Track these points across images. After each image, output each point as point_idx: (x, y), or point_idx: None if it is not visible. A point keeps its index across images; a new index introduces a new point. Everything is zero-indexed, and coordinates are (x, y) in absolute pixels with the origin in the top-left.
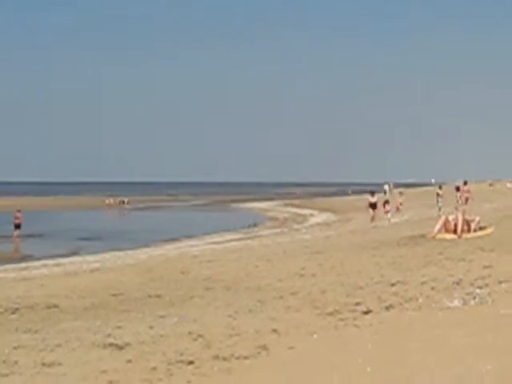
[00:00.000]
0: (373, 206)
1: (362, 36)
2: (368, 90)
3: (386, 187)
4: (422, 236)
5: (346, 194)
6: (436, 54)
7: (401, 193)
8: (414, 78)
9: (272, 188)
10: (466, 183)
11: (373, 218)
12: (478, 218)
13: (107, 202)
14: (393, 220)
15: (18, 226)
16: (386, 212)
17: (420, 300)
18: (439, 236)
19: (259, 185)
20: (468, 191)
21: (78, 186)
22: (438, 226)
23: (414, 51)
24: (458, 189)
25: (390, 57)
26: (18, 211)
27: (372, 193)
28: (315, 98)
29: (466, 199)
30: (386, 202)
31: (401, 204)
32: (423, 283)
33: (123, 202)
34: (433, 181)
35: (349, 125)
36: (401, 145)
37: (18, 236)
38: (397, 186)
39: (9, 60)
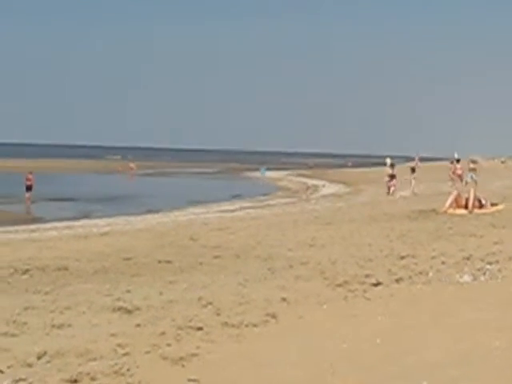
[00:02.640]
0: (391, 177)
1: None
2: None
3: (388, 160)
4: (433, 210)
5: (345, 165)
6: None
7: (413, 169)
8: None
9: (284, 157)
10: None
11: (391, 191)
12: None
13: (118, 166)
14: (397, 195)
15: (29, 188)
16: (390, 187)
17: (430, 274)
18: (450, 211)
19: (271, 154)
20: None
21: (92, 149)
22: (449, 201)
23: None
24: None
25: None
26: (30, 173)
27: (392, 165)
28: (324, 68)
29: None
30: (392, 176)
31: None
32: (433, 257)
33: (131, 167)
34: (456, 155)
35: (361, 96)
36: (417, 117)
37: (29, 198)
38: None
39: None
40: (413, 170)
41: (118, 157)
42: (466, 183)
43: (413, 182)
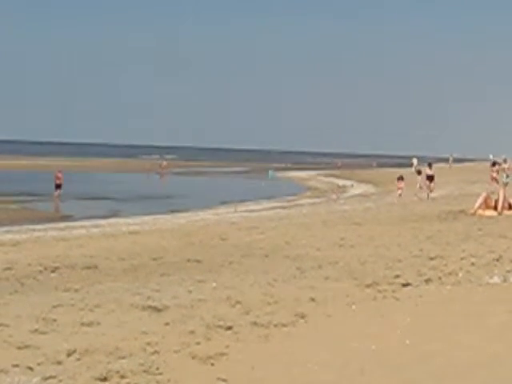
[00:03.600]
0: (429, 178)
1: None
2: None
3: (415, 161)
4: (462, 211)
5: (370, 166)
6: None
7: (419, 172)
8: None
9: (309, 157)
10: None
11: (428, 190)
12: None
13: (147, 165)
14: (419, 196)
15: (58, 186)
16: (399, 188)
17: (460, 275)
18: (479, 212)
19: (297, 154)
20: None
21: (121, 148)
22: (478, 202)
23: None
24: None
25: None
26: (59, 171)
27: (429, 165)
28: (351, 71)
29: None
30: (419, 172)
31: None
32: (463, 258)
33: (162, 166)
34: (491, 156)
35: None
36: (449, 118)
37: (59, 196)
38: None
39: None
40: (419, 172)
41: (156, 156)
42: (506, 184)
43: (417, 185)
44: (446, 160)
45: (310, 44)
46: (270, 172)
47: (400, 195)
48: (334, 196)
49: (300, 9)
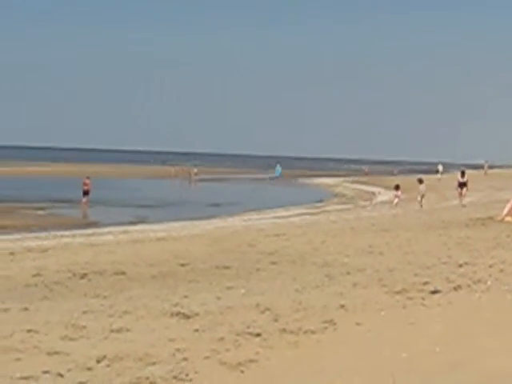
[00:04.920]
0: (461, 185)
1: None
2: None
3: (440, 167)
4: (490, 218)
5: (391, 174)
6: None
7: (420, 180)
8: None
9: (339, 164)
10: None
11: (460, 197)
12: None
13: (173, 171)
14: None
15: (86, 193)
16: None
17: (489, 282)
18: (507, 219)
19: (325, 160)
20: None
21: (145, 154)
22: (506, 209)
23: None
24: None
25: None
26: (87, 178)
27: (462, 172)
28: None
29: None
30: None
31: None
32: (492, 265)
33: (191, 173)
34: None
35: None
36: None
37: (86, 202)
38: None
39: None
40: (420, 181)
41: (175, 163)
42: None
43: (421, 194)
44: (472, 166)
45: (333, 46)
46: (278, 167)
47: (396, 204)
48: (367, 202)
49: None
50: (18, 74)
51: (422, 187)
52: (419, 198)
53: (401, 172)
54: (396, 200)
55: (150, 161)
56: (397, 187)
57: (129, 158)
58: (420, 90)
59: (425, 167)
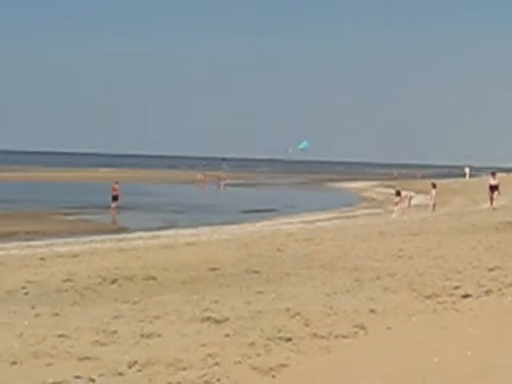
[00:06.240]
0: (492, 188)
1: None
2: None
3: (467, 170)
4: None
5: (413, 177)
6: None
7: (434, 185)
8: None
9: (369, 168)
10: None
11: (491, 200)
12: None
13: (199, 176)
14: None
15: (115, 198)
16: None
17: None
18: None
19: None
20: None
21: (171, 159)
22: None
23: None
24: None
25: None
26: (116, 183)
27: (493, 174)
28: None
29: None
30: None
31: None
32: None
33: (219, 178)
34: None
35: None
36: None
37: (115, 207)
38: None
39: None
40: (433, 185)
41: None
42: None
43: (432, 198)
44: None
45: (357, 51)
46: (304, 142)
47: (398, 211)
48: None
49: None
50: (37, 79)
51: (433, 192)
52: (431, 202)
53: (424, 176)
54: (397, 207)
55: (181, 166)
56: (398, 194)
57: (156, 164)
58: (445, 92)
59: (456, 170)
